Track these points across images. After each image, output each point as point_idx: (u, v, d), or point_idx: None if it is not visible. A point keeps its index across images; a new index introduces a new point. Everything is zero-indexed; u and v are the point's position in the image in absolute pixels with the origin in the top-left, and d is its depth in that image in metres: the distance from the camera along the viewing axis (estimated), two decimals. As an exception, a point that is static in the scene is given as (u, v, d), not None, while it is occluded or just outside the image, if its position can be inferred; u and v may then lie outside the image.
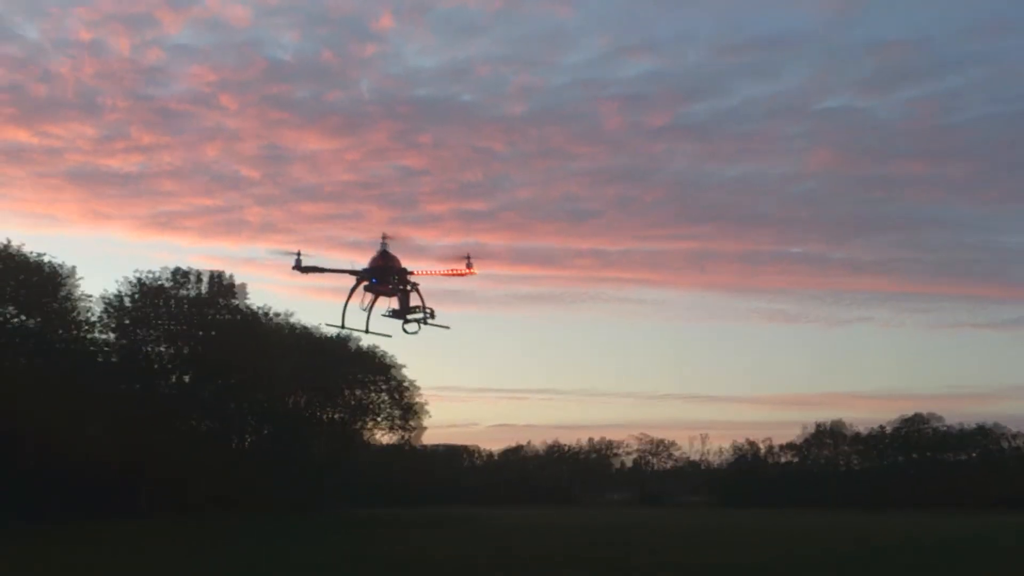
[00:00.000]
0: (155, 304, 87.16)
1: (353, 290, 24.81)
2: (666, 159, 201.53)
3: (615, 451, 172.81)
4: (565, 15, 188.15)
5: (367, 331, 25.43)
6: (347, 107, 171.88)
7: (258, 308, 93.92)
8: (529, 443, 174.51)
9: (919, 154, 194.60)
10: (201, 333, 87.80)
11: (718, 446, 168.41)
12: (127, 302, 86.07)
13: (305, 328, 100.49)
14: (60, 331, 77.53)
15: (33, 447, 65.01)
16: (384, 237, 24.87)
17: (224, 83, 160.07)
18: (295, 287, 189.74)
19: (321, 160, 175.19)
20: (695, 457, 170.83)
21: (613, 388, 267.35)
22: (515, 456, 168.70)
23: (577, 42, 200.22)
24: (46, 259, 77.49)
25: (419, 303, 25.12)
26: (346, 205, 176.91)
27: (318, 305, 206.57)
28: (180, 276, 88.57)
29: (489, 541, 52.33)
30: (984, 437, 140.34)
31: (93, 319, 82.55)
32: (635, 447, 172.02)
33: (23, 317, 75.64)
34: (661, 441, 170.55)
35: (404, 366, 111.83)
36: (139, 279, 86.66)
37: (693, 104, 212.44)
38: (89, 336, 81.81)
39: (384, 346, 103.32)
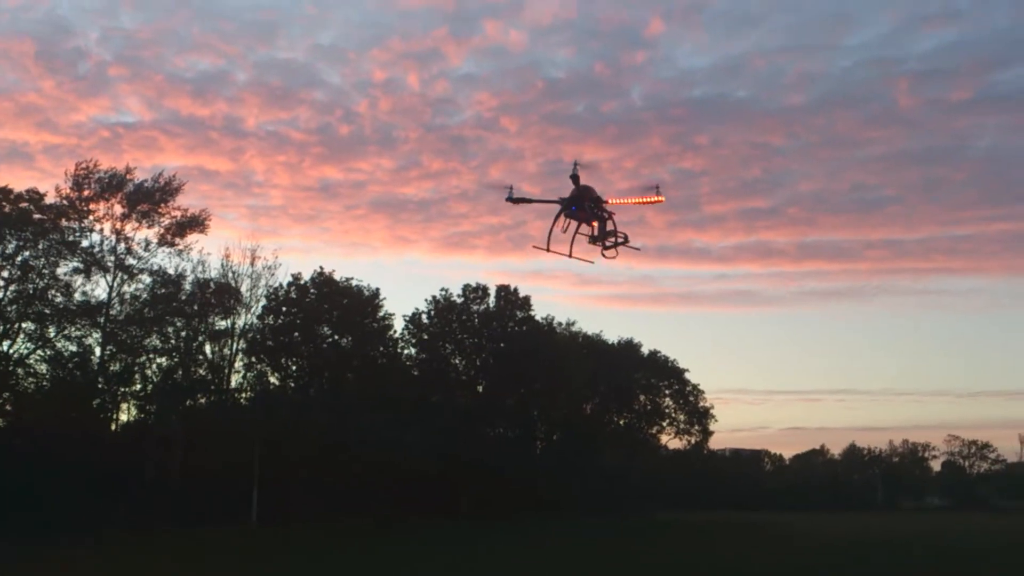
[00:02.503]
0: (450, 319, 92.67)
1: (557, 217, 26.29)
2: (972, 135, 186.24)
3: (923, 454, 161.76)
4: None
5: (570, 255, 26.81)
6: (621, 116, 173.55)
7: (543, 318, 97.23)
8: (823, 446, 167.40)
9: None
10: (494, 345, 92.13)
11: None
12: (425, 319, 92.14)
13: (590, 336, 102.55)
14: (380, 348, 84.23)
15: (363, 454, 70.93)
16: (576, 165, 26.04)
17: (505, 107, 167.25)
18: (577, 296, 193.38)
19: (600, 170, 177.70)
20: (1014, 459, 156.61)
21: (916, 387, 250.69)
22: (811, 460, 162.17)
23: (863, 19, 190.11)
24: (353, 283, 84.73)
25: (614, 228, 26.46)
26: (625, 213, 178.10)
27: (600, 313, 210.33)
28: (471, 292, 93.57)
29: (837, 553, 49.37)
30: None
31: (396, 336, 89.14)
32: (944, 449, 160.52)
33: (336, 337, 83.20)
34: (975, 442, 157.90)
35: (687, 370, 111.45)
36: (434, 297, 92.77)
37: (1001, 72, 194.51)
38: (404, 352, 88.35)
39: (670, 350, 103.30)
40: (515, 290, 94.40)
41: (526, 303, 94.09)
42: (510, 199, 26.72)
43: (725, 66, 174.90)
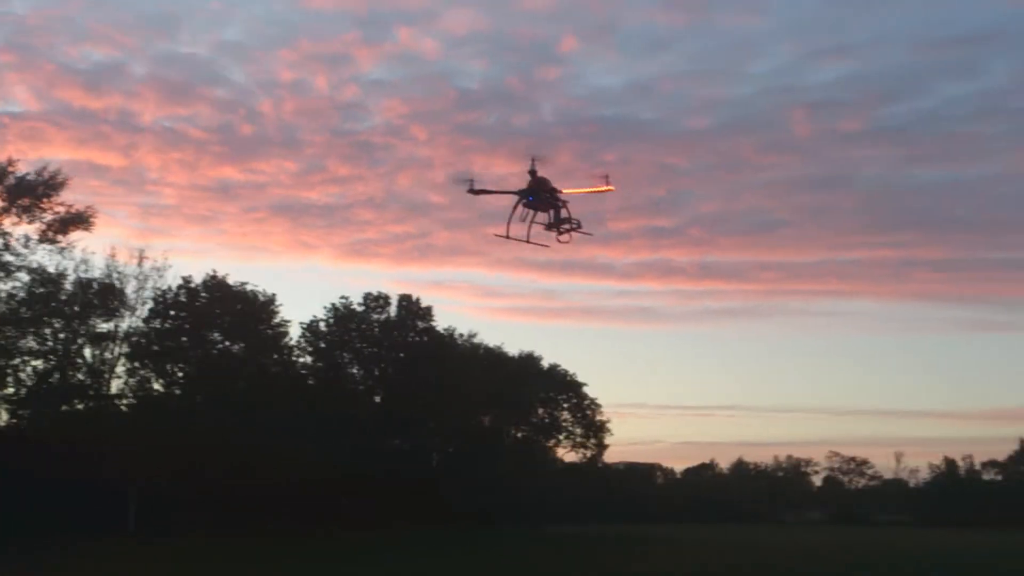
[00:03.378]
0: (349, 328, 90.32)
1: (515, 207, 28.09)
2: (861, 165, 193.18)
3: (805, 469, 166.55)
4: (753, 23, 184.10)
5: (528, 240, 28.75)
6: (532, 130, 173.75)
7: (445, 329, 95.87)
8: (713, 460, 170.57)
9: None
10: (393, 355, 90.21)
11: (917, 463, 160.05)
12: (323, 327, 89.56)
13: (491, 348, 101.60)
14: (275, 356, 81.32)
15: (251, 464, 68.04)
16: (533, 160, 27.71)
17: (415, 114, 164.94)
18: (481, 308, 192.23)
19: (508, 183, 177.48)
20: (890, 475, 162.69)
21: (802, 404, 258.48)
22: (701, 474, 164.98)
23: (766, 49, 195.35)
24: (248, 288, 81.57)
25: (568, 215, 28.56)
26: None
27: (503, 325, 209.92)
28: (371, 300, 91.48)
29: (706, 560, 50.52)
30: None
31: (291, 344, 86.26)
32: (825, 465, 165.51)
33: (227, 343, 79.92)
34: (853, 459, 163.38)
35: (586, 384, 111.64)
36: (333, 304, 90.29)
37: (890, 106, 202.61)
38: (299, 360, 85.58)
39: (570, 365, 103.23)
40: (417, 300, 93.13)
41: (428, 313, 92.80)
42: (471, 190, 28.04)
43: (635, 87, 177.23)
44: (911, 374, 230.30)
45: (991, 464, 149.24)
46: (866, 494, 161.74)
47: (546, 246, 29.24)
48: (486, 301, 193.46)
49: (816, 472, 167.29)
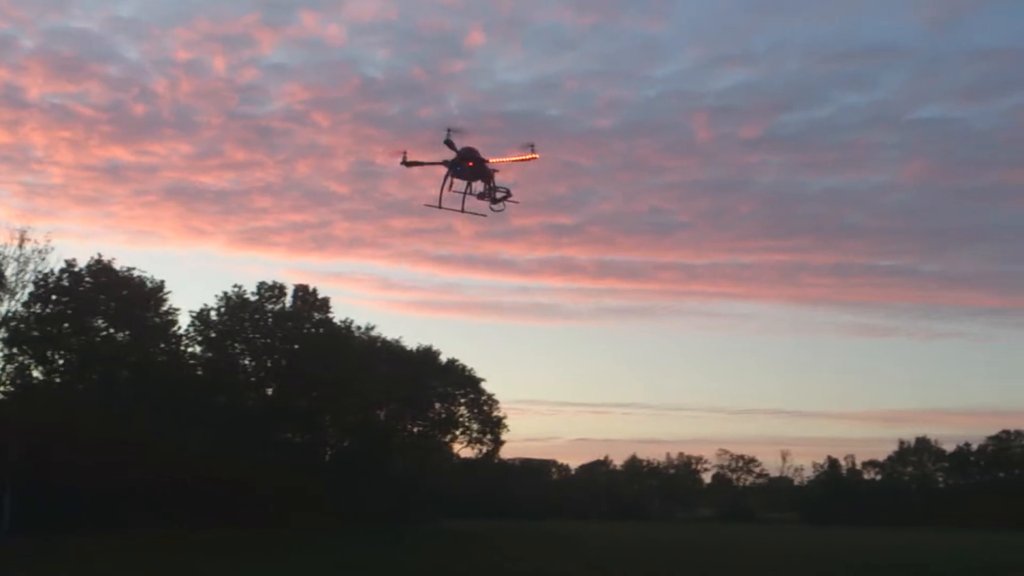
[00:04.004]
0: (242, 318, 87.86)
1: (446, 177, 28.51)
2: (758, 171, 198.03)
3: (696, 467, 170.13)
4: (658, 28, 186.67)
5: (463, 210, 29.30)
6: (437, 122, 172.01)
7: (342, 322, 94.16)
8: (607, 458, 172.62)
9: (1016, 164, 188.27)
10: (287, 347, 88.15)
11: (801, 463, 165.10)
12: (214, 316, 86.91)
13: (389, 342, 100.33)
14: (162, 344, 78.58)
15: (141, 458, 65.36)
16: (449, 131, 27.94)
17: (317, 101, 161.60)
18: (380, 301, 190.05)
19: (412, 175, 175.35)
20: (776, 473, 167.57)
21: (695, 403, 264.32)
22: (595, 471, 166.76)
23: (670, 54, 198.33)
24: (135, 274, 78.75)
25: (495, 185, 29.32)
26: (435, 219, 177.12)
27: (403, 319, 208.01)
28: (266, 290, 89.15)
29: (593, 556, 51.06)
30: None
31: (180, 333, 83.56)
32: (716, 463, 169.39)
33: (112, 330, 76.84)
34: (742, 457, 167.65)
35: (484, 380, 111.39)
36: (226, 293, 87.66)
37: (787, 114, 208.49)
38: (188, 350, 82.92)
39: (469, 359, 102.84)
40: (314, 291, 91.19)
41: (324, 305, 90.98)
42: (404, 163, 28.56)
43: (540, 84, 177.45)
44: (799, 375, 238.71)
45: (871, 464, 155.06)
46: (753, 492, 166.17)
47: (482, 215, 29.86)
48: (386, 294, 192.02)
49: (706, 470, 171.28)
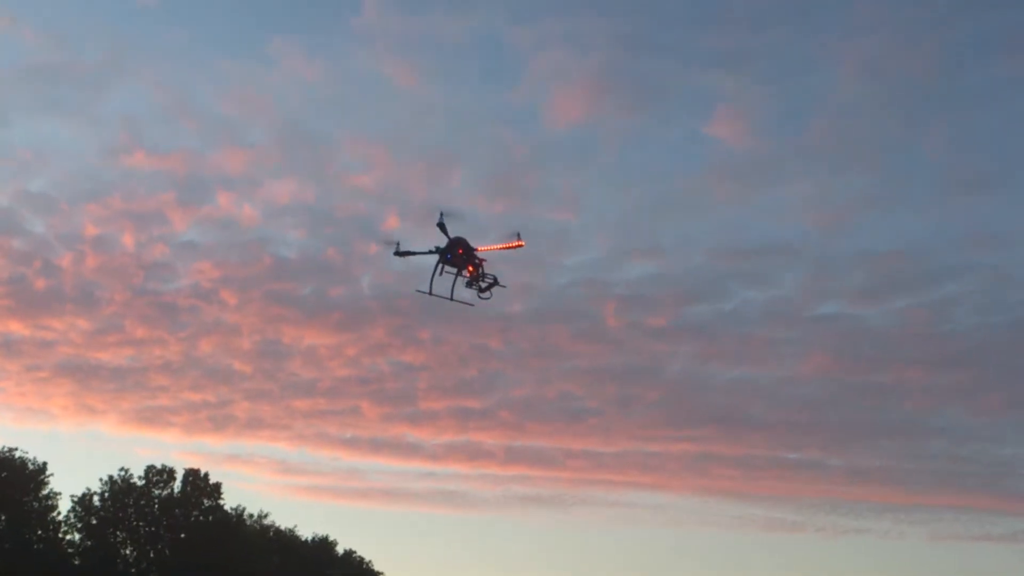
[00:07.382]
0: (126, 504, 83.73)
1: (437, 265, 29.63)
2: (665, 360, 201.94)
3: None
4: (568, 219, 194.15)
5: (452, 299, 30.30)
6: (347, 303, 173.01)
7: (232, 509, 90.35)
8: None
9: (914, 362, 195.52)
10: (173, 535, 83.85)
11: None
12: (97, 501, 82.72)
13: (283, 531, 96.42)
14: (39, 531, 74.71)
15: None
16: (442, 214, 29.15)
17: (227, 279, 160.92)
18: (277, 486, 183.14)
19: (319, 355, 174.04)
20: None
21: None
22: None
23: (583, 244, 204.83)
24: (17, 455, 75.59)
25: (486, 272, 30.50)
26: (341, 400, 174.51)
27: (301, 505, 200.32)
28: (154, 474, 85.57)
29: None
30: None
31: (60, 519, 79.36)
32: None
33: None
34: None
35: (383, 573, 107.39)
36: (111, 476, 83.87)
37: (693, 306, 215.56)
38: (67, 538, 78.58)
39: (369, 550, 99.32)
40: (205, 475, 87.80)
41: (216, 490, 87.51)
42: (397, 252, 29.73)
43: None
44: (709, 571, 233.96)
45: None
46: None
47: (470, 304, 30.78)
48: (285, 478, 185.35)
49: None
